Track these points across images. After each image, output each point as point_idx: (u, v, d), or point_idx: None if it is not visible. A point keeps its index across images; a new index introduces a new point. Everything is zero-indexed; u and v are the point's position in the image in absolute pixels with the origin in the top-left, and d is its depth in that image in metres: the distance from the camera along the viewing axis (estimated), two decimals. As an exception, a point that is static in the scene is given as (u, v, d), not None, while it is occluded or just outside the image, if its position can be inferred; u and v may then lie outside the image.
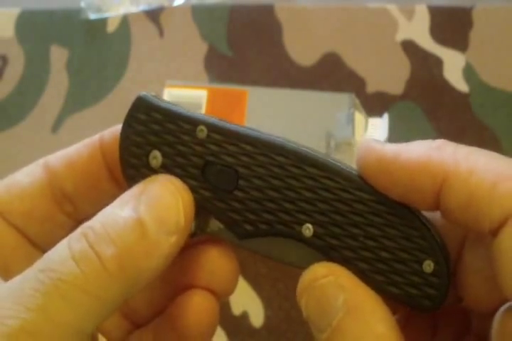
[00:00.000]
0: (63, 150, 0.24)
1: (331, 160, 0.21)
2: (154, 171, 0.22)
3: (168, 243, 0.19)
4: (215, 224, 0.22)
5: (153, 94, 0.22)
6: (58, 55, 0.57)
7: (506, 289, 0.18)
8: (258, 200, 0.21)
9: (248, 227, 0.21)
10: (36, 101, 0.56)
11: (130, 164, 0.22)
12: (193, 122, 0.22)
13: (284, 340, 0.46)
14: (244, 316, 0.46)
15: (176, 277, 0.23)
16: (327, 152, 0.44)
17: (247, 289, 0.47)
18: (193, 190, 0.21)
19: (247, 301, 0.46)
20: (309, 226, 0.21)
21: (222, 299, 0.23)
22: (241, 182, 0.21)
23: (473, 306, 0.21)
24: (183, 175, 0.22)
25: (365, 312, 0.19)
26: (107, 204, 0.24)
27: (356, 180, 0.20)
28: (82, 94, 0.56)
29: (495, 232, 0.18)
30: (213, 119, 0.22)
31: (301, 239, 0.21)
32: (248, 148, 0.21)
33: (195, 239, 0.23)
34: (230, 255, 0.23)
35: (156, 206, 0.20)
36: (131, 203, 0.20)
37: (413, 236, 0.20)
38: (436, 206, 0.19)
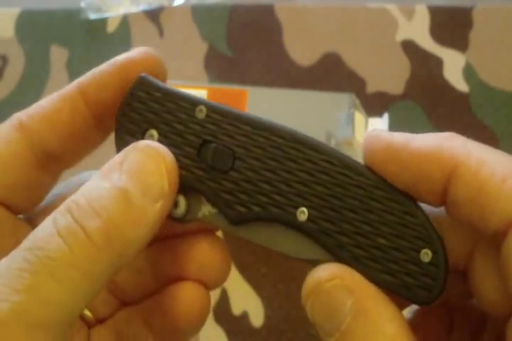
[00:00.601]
0: (36, 106, 0.23)
1: (331, 146, 0.21)
2: None
3: (154, 209, 0.19)
4: (207, 209, 0.21)
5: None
6: (58, 55, 0.57)
7: None
8: (253, 181, 0.21)
9: (241, 209, 0.21)
10: (36, 101, 0.56)
11: (125, 142, 0.22)
12: (193, 102, 0.22)
13: (284, 340, 0.45)
14: (244, 316, 0.46)
15: (166, 267, 0.23)
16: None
17: (247, 289, 0.47)
18: (187, 168, 0.21)
19: (247, 301, 0.46)
20: (304, 209, 0.20)
21: (212, 289, 0.23)
22: (237, 162, 0.21)
23: (487, 310, 0.20)
24: (178, 154, 0.21)
25: (374, 314, 0.18)
26: (92, 151, 0.23)
27: (355, 164, 0.20)
28: (82, 94, 0.56)
29: (502, 233, 0.18)
30: (213, 102, 0.22)
31: (295, 223, 0.20)
32: (247, 128, 0.21)
33: (187, 227, 0.23)
34: (221, 246, 0.23)
35: (138, 173, 0.19)
36: (114, 173, 0.19)
37: (412, 223, 0.20)
38: (442, 199, 0.19)
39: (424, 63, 0.54)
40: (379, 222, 0.20)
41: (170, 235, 0.24)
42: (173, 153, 0.21)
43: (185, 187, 0.21)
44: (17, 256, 0.17)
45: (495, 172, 0.17)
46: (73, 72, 0.57)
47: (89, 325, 0.24)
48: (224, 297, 0.47)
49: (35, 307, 0.16)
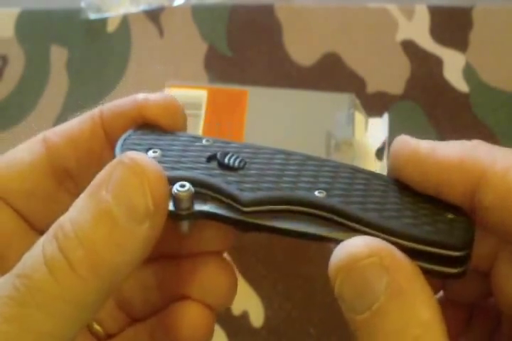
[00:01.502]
0: (61, 125, 0.23)
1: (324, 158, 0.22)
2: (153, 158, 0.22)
3: (140, 231, 0.18)
4: (213, 202, 0.21)
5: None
6: (58, 55, 0.57)
7: None
8: (267, 175, 0.21)
9: (258, 192, 0.20)
10: (36, 101, 0.56)
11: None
12: (198, 136, 0.22)
13: (284, 340, 0.45)
14: (244, 316, 0.46)
15: (172, 285, 0.23)
16: (327, 152, 0.44)
17: (247, 289, 0.47)
18: (197, 168, 0.21)
19: (247, 301, 0.46)
20: (322, 190, 0.20)
21: (217, 312, 0.23)
22: (249, 165, 0.21)
23: (507, 311, 0.20)
24: (187, 160, 0.22)
25: (410, 296, 0.17)
26: None
27: (363, 169, 0.21)
28: (82, 94, 0.56)
29: None
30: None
31: (313, 201, 0.20)
32: (252, 150, 0.22)
33: (195, 248, 0.23)
34: (229, 269, 0.23)
35: (121, 192, 0.18)
36: (99, 192, 0.18)
37: (431, 201, 0.20)
38: (469, 206, 0.19)
39: (424, 63, 0.54)
40: (400, 197, 0.20)
41: (178, 253, 0.24)
42: (181, 161, 0.21)
43: (191, 181, 0.21)
44: (8, 283, 0.17)
45: None
46: (73, 72, 0.57)
47: (100, 339, 0.24)
48: (224, 297, 0.47)
49: (23, 336, 0.16)
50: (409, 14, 0.56)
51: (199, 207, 0.21)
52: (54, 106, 0.55)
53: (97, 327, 0.24)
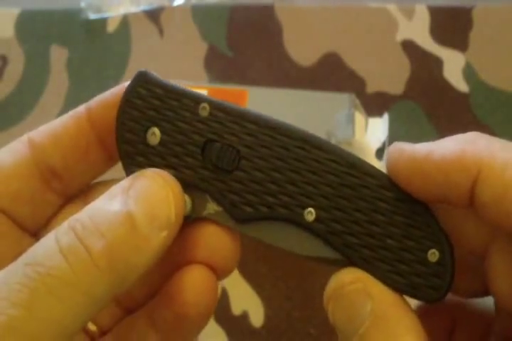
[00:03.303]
0: (46, 124, 0.23)
1: (337, 146, 0.21)
2: (152, 148, 0.21)
3: (158, 238, 0.19)
4: (212, 207, 0.21)
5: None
6: (58, 55, 0.57)
7: None
8: (260, 181, 0.20)
9: (248, 209, 0.21)
10: (36, 101, 0.56)
11: (126, 140, 0.21)
12: (196, 99, 0.21)
13: (284, 340, 0.45)
14: (244, 316, 0.46)
15: (173, 254, 0.22)
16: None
17: (247, 289, 0.47)
18: (192, 168, 0.21)
19: (247, 301, 0.46)
20: (312, 210, 0.20)
21: (221, 278, 0.22)
22: (243, 162, 0.21)
23: (501, 303, 0.20)
24: (182, 153, 0.21)
25: (392, 321, 0.18)
26: (96, 176, 0.23)
27: (362, 164, 0.20)
28: (82, 94, 0.56)
29: None
30: (216, 99, 0.21)
31: (302, 223, 0.20)
32: (252, 126, 0.21)
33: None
34: (231, 231, 0.22)
35: (145, 201, 0.19)
36: (120, 197, 0.19)
37: (419, 223, 0.20)
38: (470, 202, 0.19)
39: (424, 63, 0.54)
40: (387, 222, 0.20)
41: None
42: (178, 152, 0.21)
43: (190, 185, 0.21)
44: (17, 271, 0.17)
45: None
46: (73, 72, 0.57)
47: (93, 338, 0.24)
48: (224, 297, 0.47)
49: (32, 322, 0.16)
50: (409, 14, 0.56)
51: (199, 211, 0.21)
52: (54, 106, 0.55)
53: (91, 326, 0.23)
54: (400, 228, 0.20)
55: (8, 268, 0.17)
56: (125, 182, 0.20)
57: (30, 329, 0.16)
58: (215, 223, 0.22)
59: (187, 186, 0.21)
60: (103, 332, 0.24)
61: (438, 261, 0.20)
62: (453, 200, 0.19)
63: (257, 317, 0.46)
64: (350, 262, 0.20)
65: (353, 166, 0.20)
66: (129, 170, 0.21)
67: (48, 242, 0.18)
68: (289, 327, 0.46)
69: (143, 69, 0.22)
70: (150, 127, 0.21)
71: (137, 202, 0.19)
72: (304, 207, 0.20)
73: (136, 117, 0.21)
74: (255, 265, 0.47)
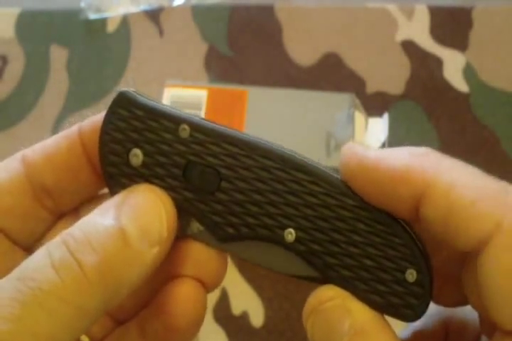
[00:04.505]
0: (40, 142, 0.23)
1: (317, 165, 0.20)
2: (134, 169, 0.21)
3: (150, 254, 0.19)
4: (195, 226, 0.21)
5: (133, 90, 0.22)
6: (58, 55, 0.57)
7: (492, 315, 0.17)
8: (240, 203, 0.21)
9: (230, 230, 0.21)
10: (36, 101, 0.56)
11: (110, 161, 0.21)
12: (176, 120, 0.21)
13: (284, 340, 0.46)
14: (244, 316, 0.46)
15: (162, 268, 0.22)
16: (327, 152, 0.44)
17: (247, 289, 0.47)
18: (174, 190, 0.21)
19: (247, 301, 0.46)
20: (292, 231, 0.20)
21: (209, 291, 0.23)
22: (223, 183, 0.21)
23: (481, 314, 0.20)
24: (164, 175, 0.21)
25: (371, 337, 0.19)
26: (87, 196, 0.23)
27: (341, 185, 0.20)
28: (82, 94, 0.56)
29: (473, 255, 0.18)
30: (197, 118, 0.21)
31: (282, 243, 0.21)
32: (232, 148, 0.21)
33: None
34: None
35: (138, 216, 0.19)
36: (113, 212, 0.19)
37: (396, 244, 0.20)
38: (416, 216, 0.19)
39: (424, 63, 0.54)
40: (365, 243, 0.20)
41: None
42: (159, 174, 0.21)
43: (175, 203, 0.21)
44: (8, 285, 0.17)
45: (464, 196, 0.17)
46: (73, 72, 0.57)
47: None
48: (224, 297, 0.47)
49: (23, 337, 0.16)
50: (409, 14, 0.56)
51: (183, 230, 0.21)
52: (54, 106, 0.55)
53: (83, 338, 0.23)
54: (377, 248, 0.20)
55: (0, 282, 0.17)
56: (118, 197, 0.20)
57: None
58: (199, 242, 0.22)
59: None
60: None
61: (416, 282, 0.20)
62: (398, 211, 0.19)
63: (257, 317, 0.46)
64: (330, 281, 0.20)
65: (331, 187, 0.20)
66: (114, 191, 0.21)
67: (40, 256, 0.18)
68: (289, 327, 0.46)
69: (123, 89, 0.22)
70: (132, 149, 0.21)
71: (130, 217, 0.19)
72: (284, 228, 0.20)
73: (118, 139, 0.21)
74: (255, 266, 0.47)
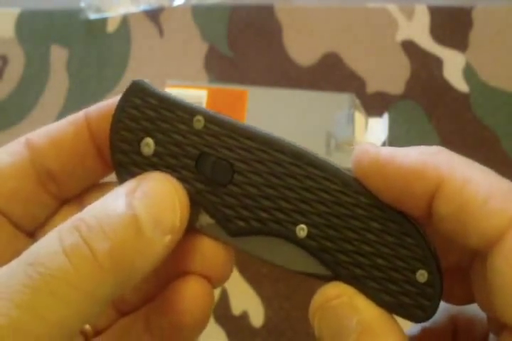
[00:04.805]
0: (45, 127, 0.23)
1: (330, 162, 0.20)
2: (145, 158, 0.21)
3: (162, 242, 0.19)
4: (204, 219, 0.21)
5: (147, 80, 0.22)
6: (58, 55, 0.57)
7: (501, 314, 0.17)
8: (253, 196, 0.20)
9: (240, 223, 0.21)
10: (36, 101, 0.56)
11: (120, 149, 0.21)
12: (190, 111, 0.21)
13: (284, 340, 0.46)
14: (244, 316, 0.46)
15: (168, 264, 0.22)
16: (327, 152, 0.44)
17: (247, 289, 0.47)
18: (186, 181, 0.21)
19: (247, 301, 0.46)
20: (304, 227, 0.20)
21: (216, 286, 0.23)
22: (236, 176, 0.21)
23: (487, 314, 0.20)
24: (176, 165, 0.21)
25: (379, 334, 0.19)
26: (92, 183, 0.23)
27: (355, 183, 0.20)
28: (82, 94, 0.56)
29: (484, 252, 0.18)
30: (211, 111, 0.21)
31: (294, 239, 0.20)
32: (247, 142, 0.21)
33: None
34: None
35: (152, 203, 0.19)
36: (126, 198, 0.19)
37: (409, 244, 0.20)
38: (429, 212, 0.19)
39: (424, 63, 0.54)
40: (377, 241, 0.20)
41: None
42: (171, 164, 0.21)
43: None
44: (19, 270, 0.17)
45: (478, 192, 0.17)
46: (73, 72, 0.57)
47: (88, 337, 0.24)
48: (224, 297, 0.47)
49: (33, 323, 0.16)
50: (409, 14, 0.56)
51: (191, 222, 0.21)
52: (54, 106, 0.55)
53: (86, 326, 0.23)
54: (390, 248, 0.20)
55: (9, 268, 0.17)
56: (130, 183, 0.20)
57: (32, 331, 0.16)
58: (207, 236, 0.22)
59: None
60: (97, 332, 0.24)
61: (426, 282, 0.20)
62: (411, 208, 0.19)
63: (257, 317, 0.46)
64: (340, 279, 0.20)
65: (345, 185, 0.20)
66: (122, 179, 0.21)
67: (51, 241, 0.18)
68: (289, 327, 0.46)
69: (138, 78, 0.22)
70: (144, 138, 0.21)
71: (143, 204, 0.19)
72: (296, 224, 0.20)
73: (131, 127, 0.21)
74: (255, 265, 0.47)
